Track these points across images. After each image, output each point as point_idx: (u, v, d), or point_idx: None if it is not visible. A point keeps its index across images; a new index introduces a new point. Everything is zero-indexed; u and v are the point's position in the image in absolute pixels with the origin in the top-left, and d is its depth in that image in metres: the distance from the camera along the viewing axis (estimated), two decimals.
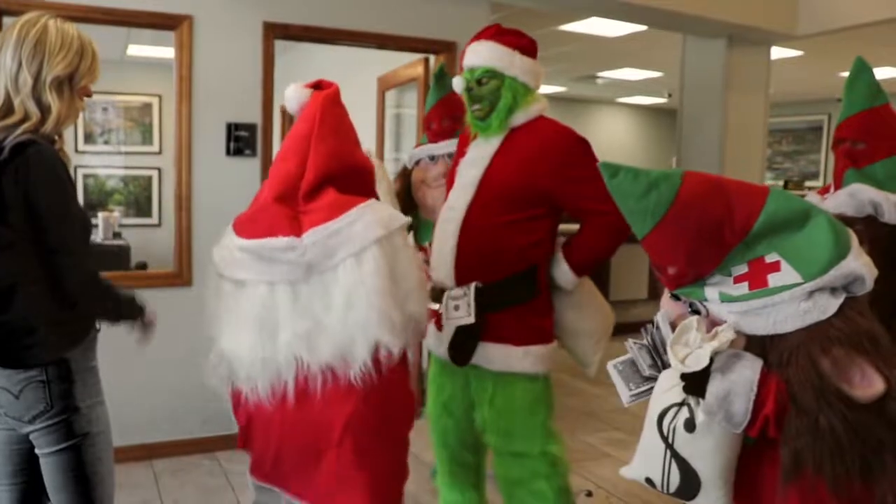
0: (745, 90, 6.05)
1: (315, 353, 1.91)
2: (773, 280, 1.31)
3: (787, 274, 1.31)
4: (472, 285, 2.44)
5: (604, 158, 1.64)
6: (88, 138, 7.76)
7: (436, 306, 2.50)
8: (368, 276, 1.91)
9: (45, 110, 1.85)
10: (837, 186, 2.45)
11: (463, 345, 2.48)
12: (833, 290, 1.31)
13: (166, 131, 7.78)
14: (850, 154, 2.42)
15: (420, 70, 4.98)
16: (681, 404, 1.38)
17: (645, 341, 1.53)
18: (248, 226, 2.00)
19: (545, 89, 2.62)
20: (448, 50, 4.69)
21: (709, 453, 1.36)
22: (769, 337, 1.33)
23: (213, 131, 4.11)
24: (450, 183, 2.63)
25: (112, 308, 2.03)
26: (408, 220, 2.09)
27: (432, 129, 3.46)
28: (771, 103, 6.49)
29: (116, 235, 7.15)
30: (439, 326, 2.54)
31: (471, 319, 2.42)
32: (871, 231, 2.10)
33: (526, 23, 2.80)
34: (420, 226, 3.43)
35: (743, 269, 1.36)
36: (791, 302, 1.30)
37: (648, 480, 1.46)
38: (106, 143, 7.87)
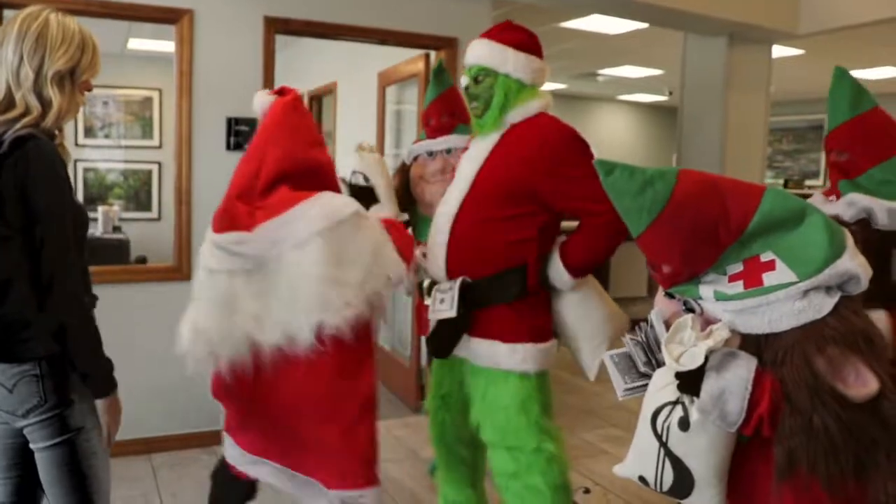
0: (745, 88, 6.05)
1: (265, 334, 2.14)
2: (769, 279, 1.31)
3: (782, 273, 1.31)
4: (459, 280, 2.46)
5: (604, 156, 1.64)
6: (89, 132, 7.75)
7: (429, 300, 2.52)
8: (310, 265, 2.14)
9: (46, 104, 1.84)
10: (833, 192, 2.47)
11: (443, 338, 2.50)
12: (828, 290, 1.31)
13: (166, 125, 7.77)
14: (839, 165, 2.44)
15: (421, 66, 4.97)
16: (675, 403, 1.38)
17: (639, 338, 1.53)
18: (217, 221, 2.23)
19: (545, 86, 2.61)
20: (449, 46, 4.69)
21: (703, 452, 1.36)
22: (764, 336, 1.33)
23: (213, 126, 4.11)
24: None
25: (83, 332, 1.85)
26: (357, 207, 2.27)
27: (430, 126, 3.46)
28: (772, 102, 6.49)
29: (116, 229, 7.15)
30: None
31: (452, 313, 2.43)
32: (864, 233, 2.11)
33: (527, 19, 2.80)
34: (418, 221, 3.43)
35: (738, 267, 1.36)
36: (786, 301, 1.30)
37: (642, 479, 1.46)
38: (106, 136, 7.87)
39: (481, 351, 2.49)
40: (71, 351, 1.83)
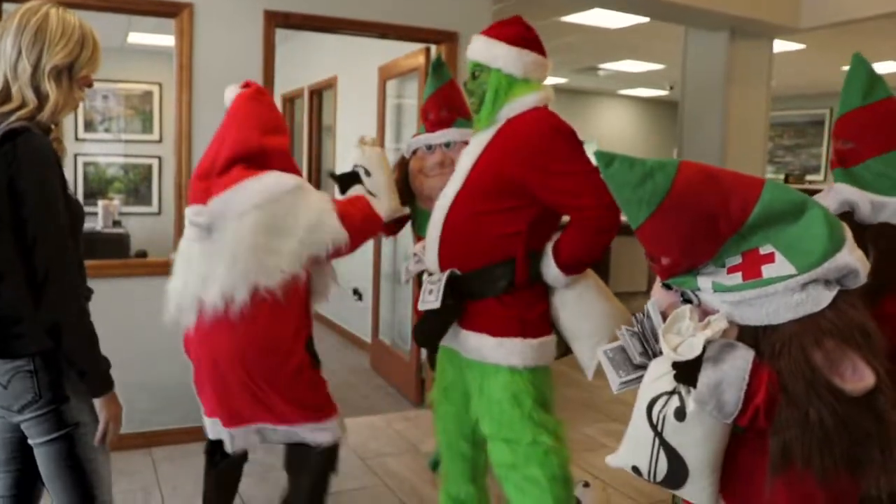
0: (746, 83, 6.05)
1: (208, 294, 2.53)
2: (767, 271, 1.31)
3: (781, 265, 1.31)
4: (447, 272, 2.47)
5: (604, 150, 1.64)
6: (89, 126, 7.75)
7: None
8: (247, 233, 2.51)
9: (42, 98, 1.83)
10: None
11: (427, 329, 2.52)
12: (826, 283, 1.31)
13: (167, 120, 7.77)
14: (839, 153, 2.39)
15: (421, 60, 4.97)
16: (671, 393, 1.38)
17: (636, 329, 1.52)
18: (188, 198, 2.73)
19: (546, 80, 2.61)
20: (449, 40, 4.68)
21: (698, 442, 1.36)
22: (762, 328, 1.33)
23: (213, 120, 4.07)
24: None
25: (79, 331, 1.84)
26: (296, 183, 2.62)
27: (429, 120, 3.46)
28: (773, 96, 6.48)
29: (116, 224, 7.15)
30: None
31: (436, 304, 2.44)
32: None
33: (527, 13, 2.79)
34: (417, 215, 3.43)
35: (737, 259, 1.36)
36: (784, 293, 1.30)
37: (635, 469, 1.46)
38: (106, 131, 7.86)
39: (469, 343, 2.50)
40: (67, 349, 1.81)
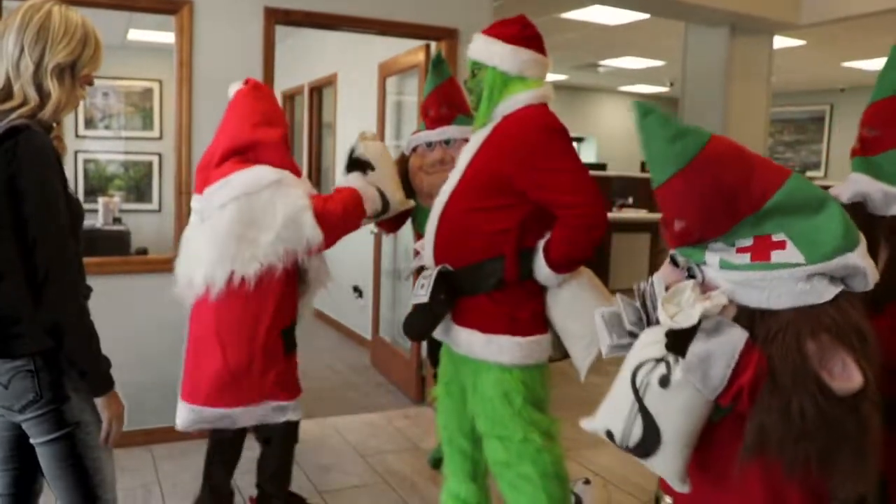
0: (747, 79, 6.04)
1: (196, 277, 2.76)
2: (776, 256, 1.31)
3: (791, 253, 1.31)
4: (438, 267, 2.49)
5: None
6: (89, 123, 7.74)
7: None
8: (226, 223, 2.71)
9: (44, 97, 1.82)
10: None
11: (414, 322, 2.54)
12: (832, 279, 1.31)
13: (167, 117, 7.75)
14: (863, 141, 2.37)
15: (421, 57, 4.96)
16: (659, 360, 1.38)
17: (636, 298, 1.52)
18: (194, 187, 2.98)
19: (546, 77, 2.61)
20: (449, 37, 4.67)
21: (677, 413, 1.36)
22: (759, 311, 1.33)
23: (213, 116, 4.07)
24: None
25: (80, 330, 1.83)
26: (275, 178, 2.77)
27: (430, 116, 3.46)
28: (773, 93, 6.48)
29: (116, 221, 7.14)
30: None
31: (425, 299, 2.46)
32: (856, 216, 2.08)
33: (527, 10, 2.79)
34: (418, 212, 3.43)
35: (748, 242, 1.36)
36: (789, 280, 1.30)
37: (609, 433, 1.46)
38: (106, 128, 7.85)
39: (460, 339, 2.52)
40: (67, 349, 1.81)
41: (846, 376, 1.26)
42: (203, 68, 4.05)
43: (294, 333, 2.95)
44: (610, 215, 8.04)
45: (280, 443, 3.17)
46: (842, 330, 1.28)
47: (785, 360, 1.28)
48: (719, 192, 1.37)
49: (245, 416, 2.89)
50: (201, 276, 2.73)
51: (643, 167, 12.19)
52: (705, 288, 1.40)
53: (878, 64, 8.94)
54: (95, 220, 6.90)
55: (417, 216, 3.47)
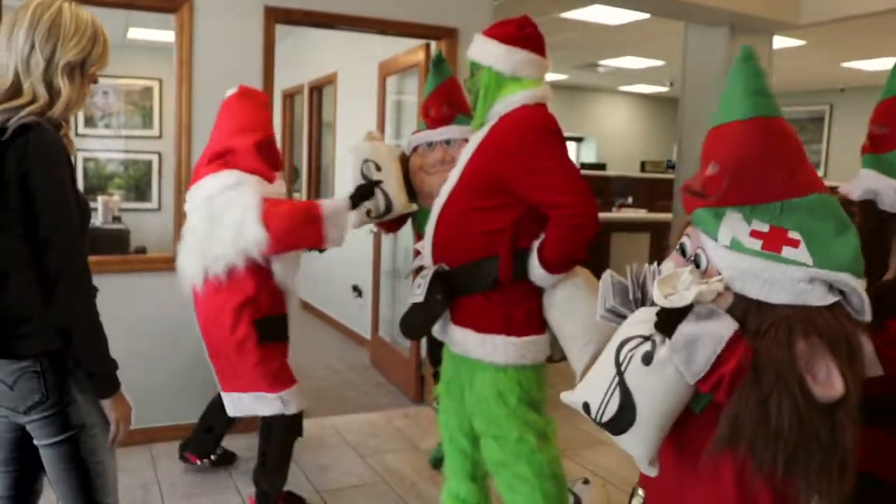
0: None
1: (184, 271, 3.05)
2: (786, 252, 1.32)
3: (801, 253, 1.31)
4: (434, 267, 2.50)
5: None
6: (89, 122, 7.74)
7: None
8: (197, 223, 3.01)
9: (54, 94, 1.81)
10: None
11: (410, 321, 2.56)
12: (832, 288, 1.31)
13: (167, 115, 7.75)
14: (873, 138, 2.36)
15: (421, 56, 4.96)
16: (647, 338, 1.39)
17: (629, 276, 1.53)
18: None
19: (546, 77, 2.62)
20: (449, 36, 4.67)
21: (655, 392, 1.36)
22: (756, 303, 1.33)
23: (213, 116, 4.08)
24: None
25: (89, 331, 1.83)
26: (234, 180, 2.96)
27: (430, 116, 3.46)
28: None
29: (116, 219, 7.14)
30: None
31: (420, 298, 2.48)
32: (864, 216, 2.07)
33: (527, 10, 2.80)
34: (419, 212, 3.43)
35: (764, 227, 1.35)
36: (792, 277, 1.30)
37: (585, 406, 1.46)
38: (106, 126, 7.85)
39: (456, 338, 2.54)
40: (76, 349, 1.79)
41: (828, 383, 1.26)
42: (203, 67, 4.05)
43: (272, 325, 3.09)
44: (610, 215, 8.11)
45: (275, 436, 3.21)
46: (834, 336, 1.28)
47: (772, 355, 1.28)
48: (765, 156, 1.37)
49: (239, 403, 3.13)
50: (187, 270, 3.03)
51: (643, 167, 12.20)
52: (706, 277, 1.41)
53: (877, 64, 8.94)
54: (95, 218, 6.90)
55: (418, 216, 3.47)
